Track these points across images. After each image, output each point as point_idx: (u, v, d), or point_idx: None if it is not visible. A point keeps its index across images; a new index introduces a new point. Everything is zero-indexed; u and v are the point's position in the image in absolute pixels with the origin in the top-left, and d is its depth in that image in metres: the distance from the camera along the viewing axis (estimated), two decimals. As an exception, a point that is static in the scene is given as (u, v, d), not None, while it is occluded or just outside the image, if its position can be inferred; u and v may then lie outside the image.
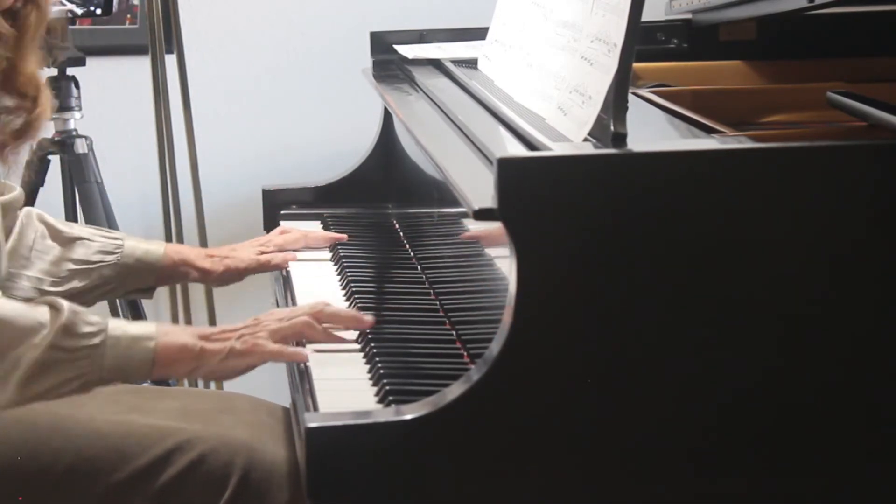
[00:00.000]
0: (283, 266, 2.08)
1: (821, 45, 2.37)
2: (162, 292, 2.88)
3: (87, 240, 1.93)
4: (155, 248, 1.97)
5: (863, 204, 1.47)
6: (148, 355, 1.59)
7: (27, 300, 1.61)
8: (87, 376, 1.56)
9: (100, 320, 1.59)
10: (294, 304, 1.92)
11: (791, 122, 2.06)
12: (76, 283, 1.89)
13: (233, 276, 2.05)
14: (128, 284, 1.96)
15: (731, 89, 2.17)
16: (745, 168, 1.46)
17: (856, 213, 1.46)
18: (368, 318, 1.74)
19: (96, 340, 1.56)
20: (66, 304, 1.57)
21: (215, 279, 2.05)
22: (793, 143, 1.57)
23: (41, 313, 1.56)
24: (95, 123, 2.75)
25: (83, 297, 1.89)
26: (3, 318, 1.52)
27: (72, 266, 1.90)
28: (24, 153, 1.74)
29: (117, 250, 1.94)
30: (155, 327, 1.62)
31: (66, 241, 1.92)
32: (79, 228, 1.96)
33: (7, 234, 1.84)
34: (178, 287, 2.90)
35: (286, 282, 2.04)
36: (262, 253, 2.08)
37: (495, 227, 1.44)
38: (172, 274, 2.01)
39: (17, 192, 1.88)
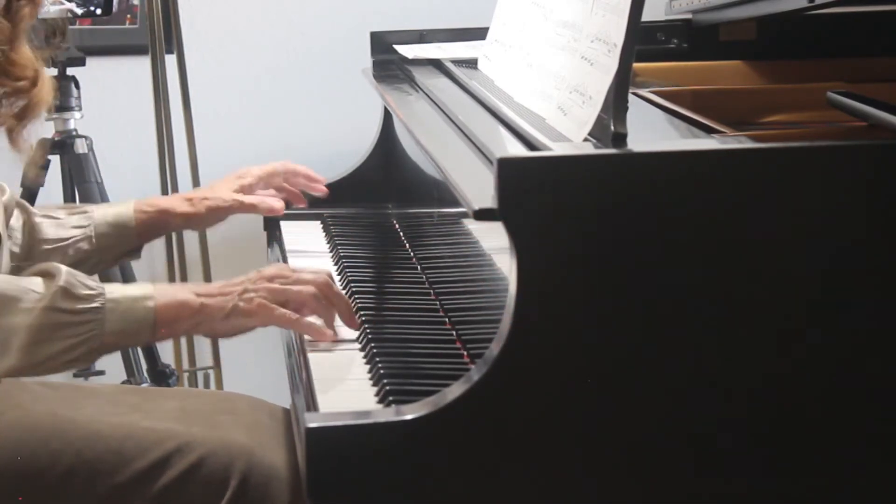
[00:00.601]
0: (268, 212, 2.04)
1: (821, 45, 2.37)
2: (159, 265, 2.89)
3: (56, 218, 1.91)
4: (123, 209, 1.94)
5: (863, 204, 1.47)
6: (149, 315, 1.59)
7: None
8: (90, 342, 1.56)
9: (97, 284, 1.59)
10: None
11: (791, 122, 2.06)
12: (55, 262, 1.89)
13: (217, 216, 2.01)
14: (110, 252, 1.94)
15: (731, 89, 2.17)
16: (745, 168, 1.46)
17: (856, 213, 1.46)
18: (356, 322, 1.74)
19: (96, 304, 1.56)
20: (63, 268, 1.57)
21: (199, 222, 2.02)
22: (793, 143, 1.57)
23: (31, 282, 1.56)
24: (95, 123, 2.75)
25: None
26: None
27: (46, 247, 1.88)
28: (33, 136, 1.74)
29: (87, 222, 1.91)
30: (152, 287, 1.62)
31: (36, 224, 1.90)
32: (48, 209, 1.94)
33: None
34: (176, 261, 2.90)
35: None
36: (242, 188, 2.04)
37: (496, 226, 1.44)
38: (153, 227, 1.97)
39: (9, 192, 1.88)
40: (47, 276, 1.57)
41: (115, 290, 1.60)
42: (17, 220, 1.89)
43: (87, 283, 1.58)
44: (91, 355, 1.58)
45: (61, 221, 1.91)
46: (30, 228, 1.89)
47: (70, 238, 1.90)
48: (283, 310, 1.64)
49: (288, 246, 2.21)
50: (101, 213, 1.93)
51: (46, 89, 1.69)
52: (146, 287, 1.62)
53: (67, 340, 1.55)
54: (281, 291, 1.65)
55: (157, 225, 1.98)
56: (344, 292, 1.93)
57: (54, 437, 1.63)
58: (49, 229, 1.90)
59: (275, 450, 1.65)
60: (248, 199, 2.03)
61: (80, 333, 1.56)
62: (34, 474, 1.61)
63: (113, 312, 1.57)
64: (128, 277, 2.71)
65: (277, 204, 2.05)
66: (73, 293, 1.56)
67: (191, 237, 2.92)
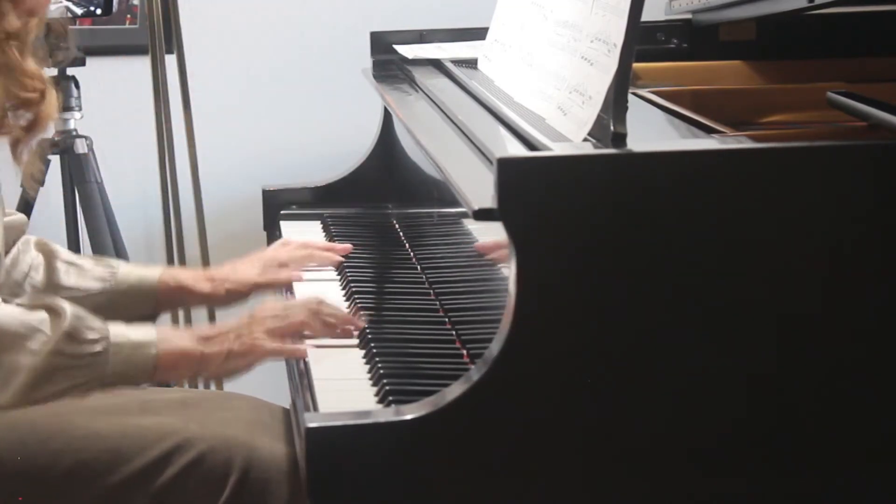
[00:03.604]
0: (287, 283, 2.01)
1: (821, 45, 2.37)
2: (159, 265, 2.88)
3: (80, 266, 1.90)
4: (149, 274, 1.92)
5: (863, 204, 1.47)
6: (150, 362, 1.61)
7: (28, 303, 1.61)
8: (90, 384, 1.58)
9: (101, 325, 1.59)
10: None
11: (791, 122, 2.06)
12: None
13: (236, 298, 1.99)
14: (125, 312, 1.88)
15: (731, 89, 2.17)
16: (745, 168, 1.46)
17: (856, 213, 1.46)
18: (361, 322, 1.74)
19: (98, 348, 1.57)
20: (68, 307, 1.57)
21: (217, 302, 2.00)
22: (793, 143, 1.57)
23: (38, 318, 1.56)
24: (95, 123, 2.75)
25: None
26: None
27: (63, 294, 1.83)
28: (33, 155, 1.74)
29: (110, 277, 1.89)
30: (155, 333, 1.63)
31: (58, 269, 1.88)
32: (76, 257, 1.92)
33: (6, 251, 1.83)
34: (176, 261, 2.89)
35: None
36: (266, 275, 2.00)
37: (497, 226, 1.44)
38: (172, 300, 1.96)
39: (19, 216, 1.87)
40: (53, 313, 1.57)
41: (119, 334, 1.60)
42: (38, 258, 1.88)
43: (92, 325, 1.59)
44: (88, 393, 1.59)
45: (84, 271, 1.90)
46: (51, 272, 1.88)
47: (88, 290, 1.88)
48: (272, 344, 1.66)
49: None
50: (125, 272, 1.91)
51: (53, 105, 1.71)
52: (149, 332, 1.63)
53: (68, 382, 1.56)
54: (272, 329, 1.68)
55: (176, 299, 1.97)
56: (343, 291, 1.94)
57: (54, 437, 1.64)
58: (70, 277, 1.88)
59: (274, 446, 1.65)
60: (265, 279, 2.00)
61: (80, 376, 1.57)
62: (34, 475, 1.62)
63: (115, 356, 1.59)
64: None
65: (296, 274, 2.02)
66: (78, 337, 1.57)
67: (190, 237, 2.91)
